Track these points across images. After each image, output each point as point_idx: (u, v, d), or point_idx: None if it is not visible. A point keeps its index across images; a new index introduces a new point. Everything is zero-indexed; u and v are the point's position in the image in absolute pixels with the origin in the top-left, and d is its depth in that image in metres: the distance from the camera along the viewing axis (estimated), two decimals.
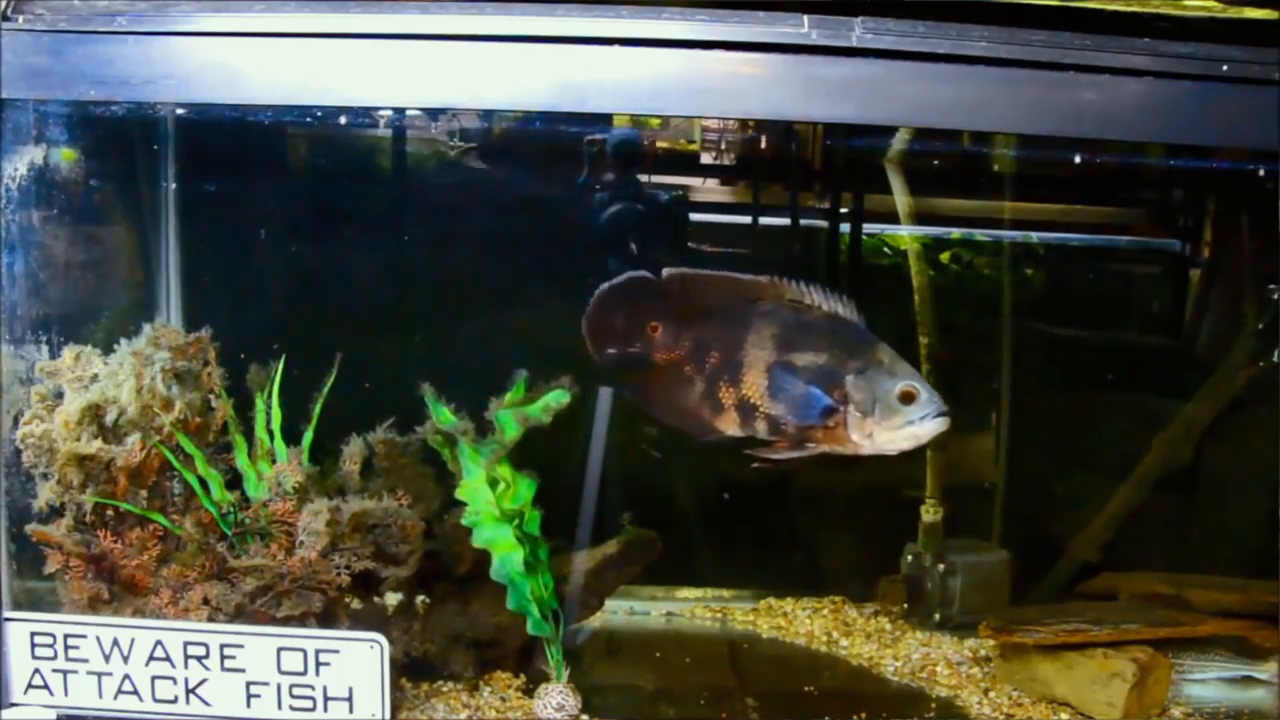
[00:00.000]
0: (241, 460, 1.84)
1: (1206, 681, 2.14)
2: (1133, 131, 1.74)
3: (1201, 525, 2.61)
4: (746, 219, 2.59)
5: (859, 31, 1.60)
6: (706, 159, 2.50)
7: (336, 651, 1.67)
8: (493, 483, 1.84)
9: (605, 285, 1.87)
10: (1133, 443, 2.50)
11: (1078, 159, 2.34)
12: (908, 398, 1.72)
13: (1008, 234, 2.53)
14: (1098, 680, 1.97)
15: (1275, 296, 2.42)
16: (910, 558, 2.44)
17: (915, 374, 1.75)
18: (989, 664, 2.18)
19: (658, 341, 1.86)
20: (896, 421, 1.72)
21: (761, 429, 1.80)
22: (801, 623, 2.37)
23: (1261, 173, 2.29)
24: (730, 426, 1.82)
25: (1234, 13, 1.87)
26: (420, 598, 1.94)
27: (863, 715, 1.94)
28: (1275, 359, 2.42)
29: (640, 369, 1.87)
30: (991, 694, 2.07)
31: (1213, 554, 2.56)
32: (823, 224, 2.62)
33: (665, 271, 1.87)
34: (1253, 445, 2.52)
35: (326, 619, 1.77)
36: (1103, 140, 2.04)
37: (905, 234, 2.41)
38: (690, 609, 2.44)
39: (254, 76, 1.60)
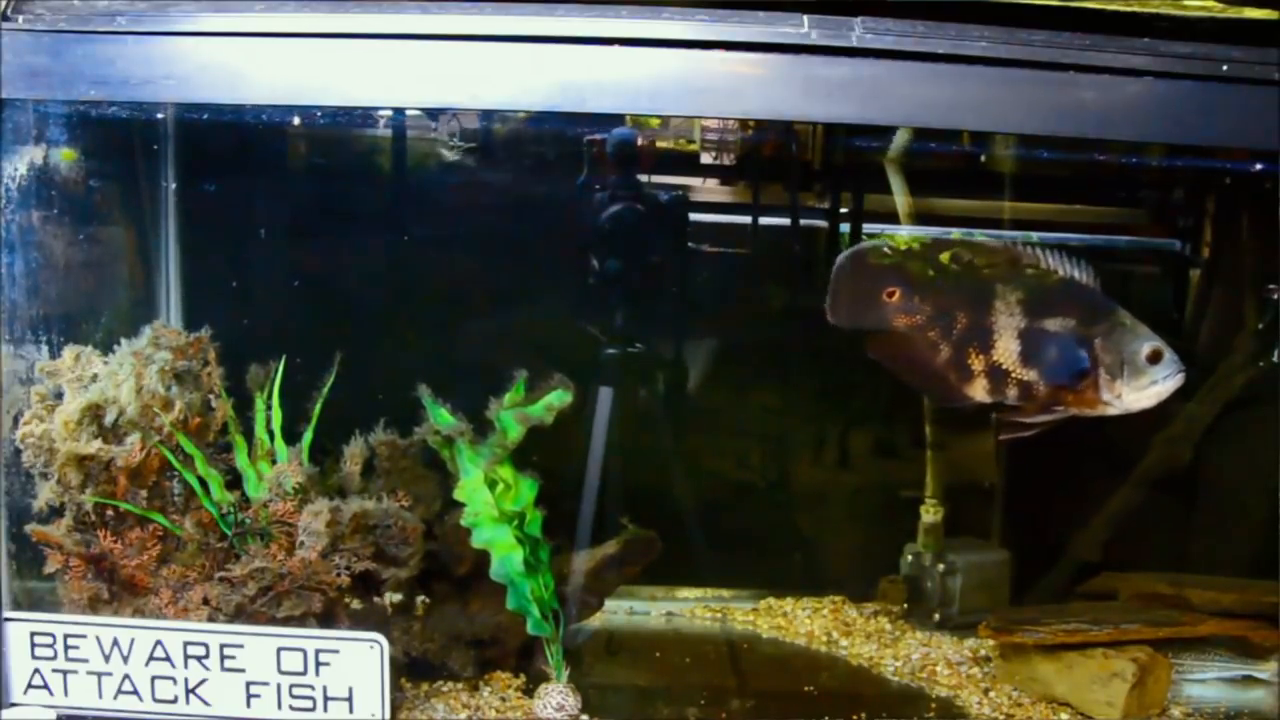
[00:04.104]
0: (241, 460, 1.84)
1: (1206, 681, 2.14)
2: (1132, 132, 1.74)
3: (1202, 525, 2.61)
4: (746, 219, 2.59)
5: (859, 31, 1.60)
6: (706, 159, 2.50)
7: (336, 651, 1.68)
8: (491, 483, 1.85)
9: (844, 254, 1.91)
10: (1129, 444, 2.50)
11: (1078, 159, 2.35)
12: (1155, 357, 1.78)
13: (1007, 234, 2.52)
14: (1098, 680, 1.97)
15: (1276, 297, 2.42)
16: (910, 558, 2.44)
17: (1154, 333, 1.81)
18: (989, 664, 2.18)
19: (896, 307, 1.88)
20: (1143, 381, 1.78)
21: (1012, 394, 1.85)
22: (801, 623, 2.37)
23: (1261, 173, 2.30)
24: (979, 392, 1.87)
25: (1234, 13, 1.87)
26: (420, 598, 1.94)
27: (862, 715, 1.93)
28: (1276, 359, 2.42)
29: (879, 334, 1.90)
30: (991, 694, 2.06)
31: (1213, 554, 2.56)
32: (823, 223, 2.61)
33: (901, 239, 1.90)
34: (1253, 445, 2.53)
35: (326, 619, 1.77)
36: (1102, 140, 2.04)
37: (905, 233, 2.41)
38: (690, 609, 2.44)
39: (254, 77, 1.60)
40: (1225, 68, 1.68)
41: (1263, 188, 2.41)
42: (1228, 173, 2.42)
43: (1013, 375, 1.84)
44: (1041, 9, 1.69)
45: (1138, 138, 1.80)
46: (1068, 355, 1.80)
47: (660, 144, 2.48)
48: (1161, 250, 2.68)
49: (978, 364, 1.85)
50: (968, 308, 1.85)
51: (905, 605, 2.43)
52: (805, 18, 1.60)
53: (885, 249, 1.91)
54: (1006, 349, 1.83)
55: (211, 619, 1.72)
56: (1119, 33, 1.68)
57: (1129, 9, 1.83)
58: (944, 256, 1.89)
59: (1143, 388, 1.79)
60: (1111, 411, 1.81)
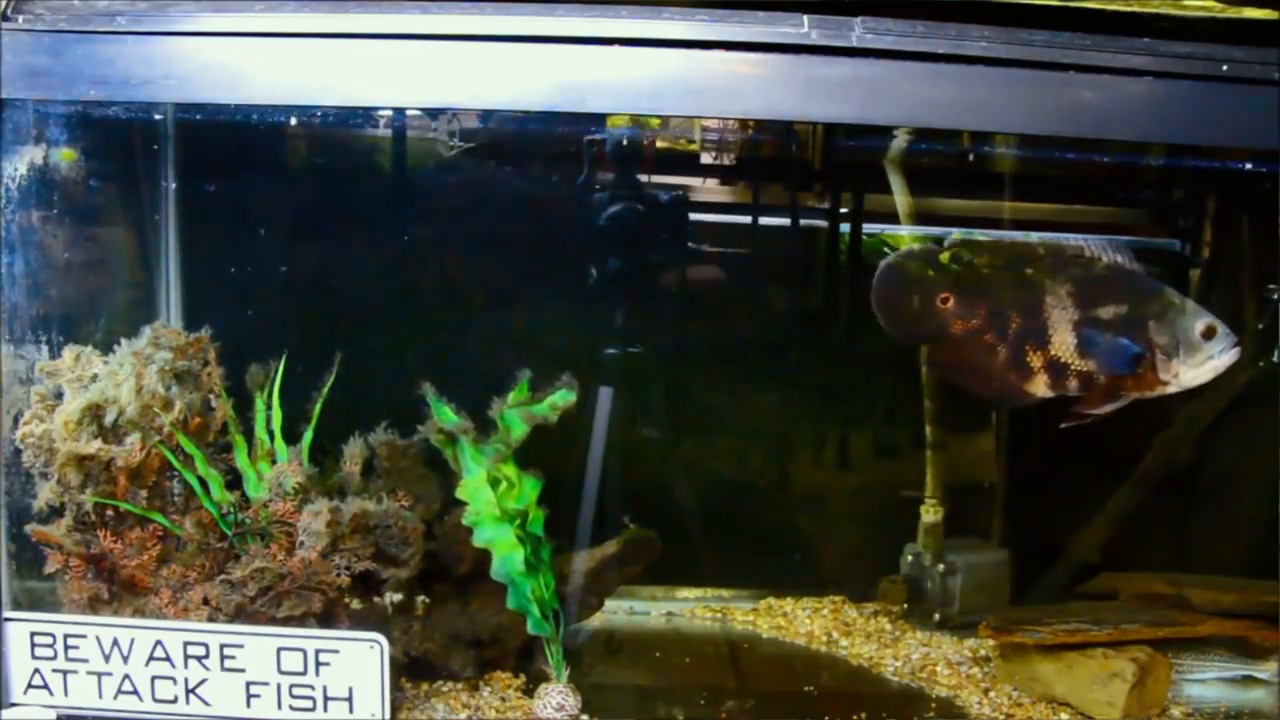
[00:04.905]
0: (241, 460, 1.84)
1: (1206, 681, 2.14)
2: (1132, 131, 1.74)
3: (1202, 525, 2.61)
4: (746, 218, 2.59)
5: (859, 31, 1.61)
6: (706, 159, 2.50)
7: (336, 651, 1.68)
8: (494, 482, 1.85)
9: (886, 261, 1.93)
10: (1129, 444, 2.50)
11: (1077, 159, 2.35)
12: (1210, 333, 1.81)
13: (1005, 234, 2.52)
14: (1098, 680, 1.97)
15: (1275, 297, 2.42)
16: (910, 557, 2.44)
17: (1205, 310, 1.84)
18: (989, 664, 2.17)
19: (952, 312, 1.89)
20: (1200, 357, 1.81)
21: (1073, 386, 1.87)
22: (801, 623, 2.37)
23: (1260, 173, 2.30)
24: (1041, 389, 1.89)
25: (1234, 13, 1.87)
26: (420, 597, 1.94)
27: (863, 715, 1.93)
28: (1276, 359, 2.42)
29: (938, 341, 1.92)
30: (991, 694, 2.06)
31: (1213, 554, 2.56)
32: (823, 223, 2.61)
33: (947, 242, 1.93)
34: (1253, 445, 2.53)
35: (326, 619, 1.77)
36: (1102, 140, 2.04)
37: (906, 233, 2.41)
38: (690, 609, 2.44)
39: (254, 77, 1.60)
40: (1225, 68, 1.67)
41: (1262, 188, 2.41)
42: (1227, 173, 2.41)
43: (1072, 368, 1.87)
44: (1041, 9, 1.69)
45: (1137, 138, 1.79)
46: (1123, 342, 1.82)
47: (660, 144, 2.48)
48: (1161, 250, 2.68)
49: (1037, 361, 1.87)
50: (1021, 306, 1.87)
51: (905, 605, 2.43)
52: (805, 18, 1.60)
53: (928, 254, 1.92)
54: (1063, 342, 1.86)
55: (212, 619, 1.72)
56: (1119, 33, 1.68)
57: (1129, 9, 1.83)
58: (986, 256, 1.91)
59: (1199, 364, 1.82)
60: (1170, 390, 1.84)
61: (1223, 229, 2.57)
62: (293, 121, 2.20)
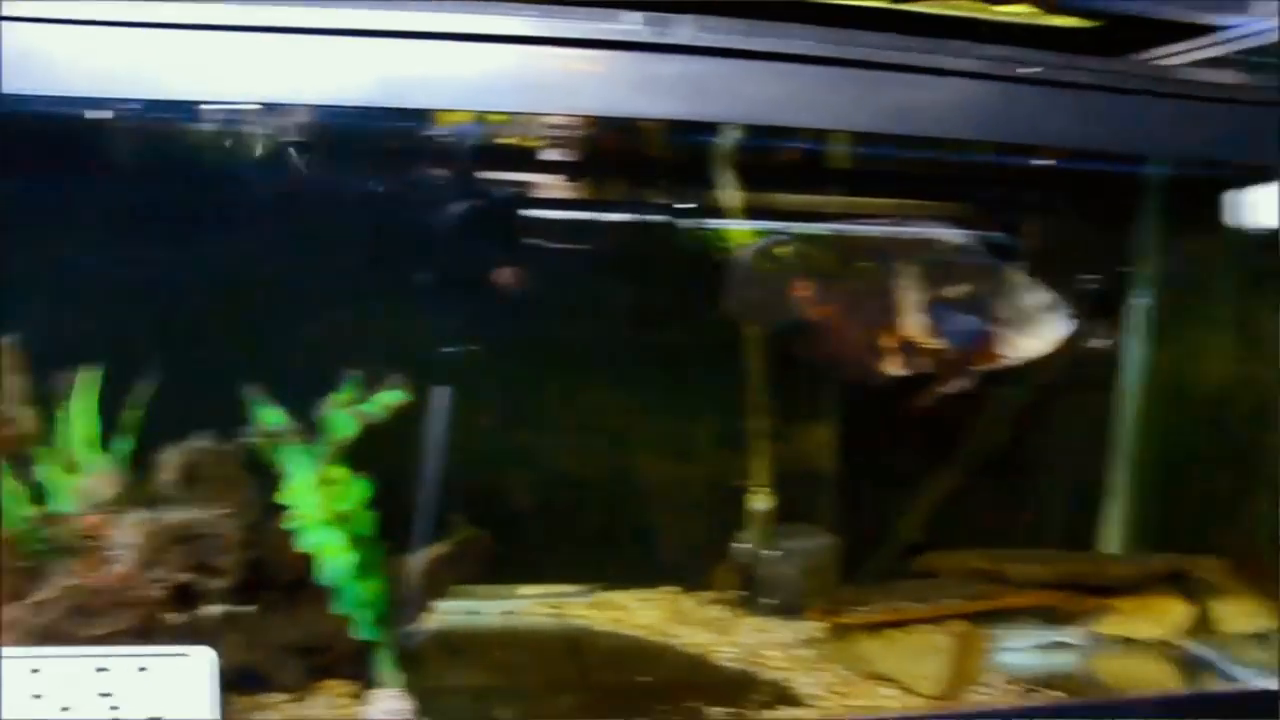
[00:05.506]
0: (48, 473, 1.74)
1: (1021, 649, 2.25)
2: (951, 130, 1.81)
3: (1018, 503, 2.75)
4: (588, 215, 2.57)
5: (689, 29, 1.61)
6: (548, 156, 2.47)
7: (154, 668, 1.60)
8: (322, 484, 1.80)
9: (742, 253, 2.02)
10: (950, 428, 2.61)
11: (908, 156, 2.43)
12: (1048, 306, 1.94)
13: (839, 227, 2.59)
14: (918, 655, 2.05)
15: (1089, 288, 2.55)
16: (742, 545, 2.48)
17: (1039, 284, 1.98)
18: (818, 645, 2.23)
19: (808, 301, 1.91)
20: (1040, 329, 1.96)
21: (925, 364, 1.96)
22: (637, 614, 2.39)
23: (1073, 169, 2.43)
24: (896, 368, 1.97)
25: (1045, 20, 1.97)
26: (246, 607, 1.87)
27: (698, 702, 1.96)
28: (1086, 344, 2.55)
29: (798, 330, 1.99)
30: (821, 674, 2.11)
31: (1029, 529, 2.70)
32: (661, 219, 2.62)
33: (795, 233, 2.04)
34: (1065, 426, 2.68)
35: (145, 635, 1.69)
36: (927, 138, 2.11)
37: (742, 229, 2.44)
38: (527, 606, 2.42)
39: (64, 65, 1.49)
40: (1035, 70, 1.75)
41: (1072, 184, 2.55)
42: (1045, 169, 2.53)
43: (924, 347, 1.92)
44: (867, 10, 1.74)
45: (955, 136, 1.86)
46: (971, 319, 1.90)
47: (503, 141, 2.43)
48: (989, 243, 2.79)
49: (891, 342, 1.93)
50: (872, 290, 1.93)
51: (738, 592, 2.47)
52: (636, 14, 1.60)
53: (781, 245, 1.97)
54: (914, 323, 1.92)
55: (19, 643, 1.62)
56: (941, 35, 1.74)
57: (950, 13, 1.91)
58: (834, 246, 1.97)
59: (1040, 336, 1.96)
60: (1012, 363, 1.98)
61: (1039, 223, 2.70)
62: (108, 115, 2.06)
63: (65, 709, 1.58)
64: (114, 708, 1.59)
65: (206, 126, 2.22)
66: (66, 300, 2.11)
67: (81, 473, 1.75)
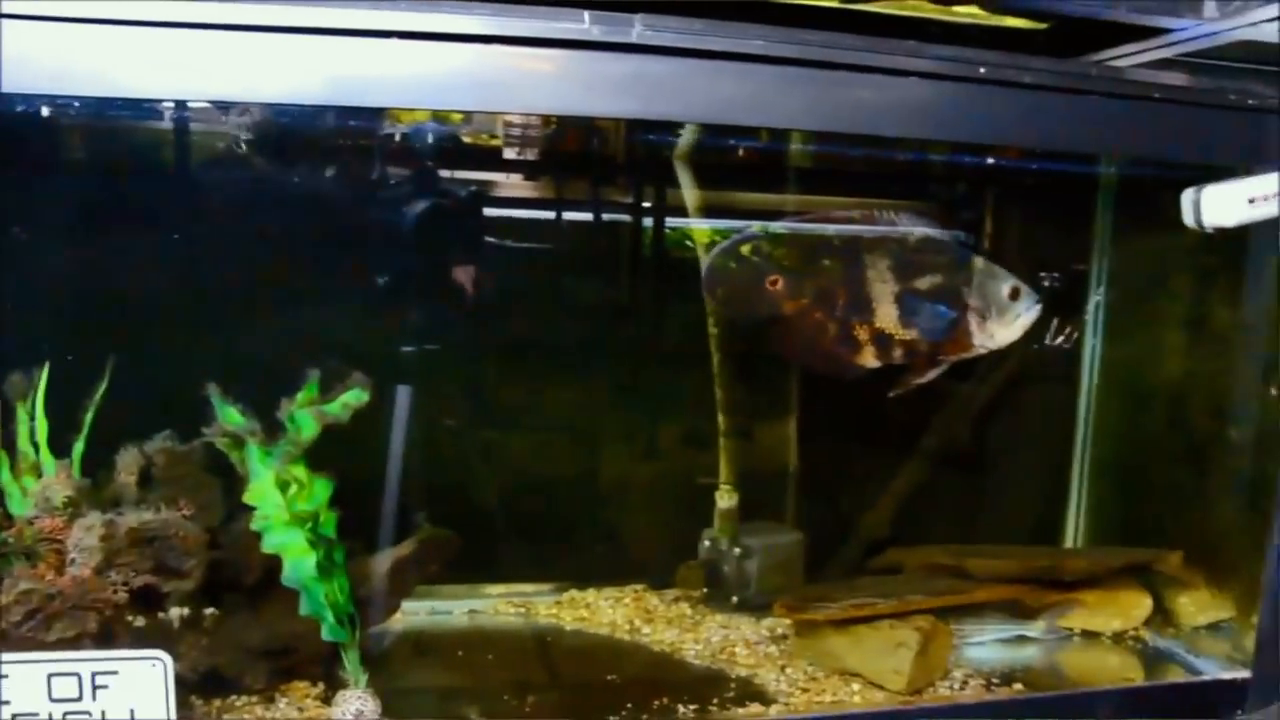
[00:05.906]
0: (3, 477, 1.73)
1: (985, 643, 2.28)
2: (902, 129, 1.83)
3: (981, 498, 2.77)
4: (549, 214, 2.59)
5: (638, 28, 1.63)
6: (508, 154, 2.48)
7: (115, 673, 1.58)
8: (284, 485, 1.79)
9: (714, 251, 2.03)
10: (913, 424, 2.63)
11: (863, 154, 2.45)
12: (1015, 294, 1.99)
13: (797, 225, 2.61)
14: (884, 650, 2.06)
15: (1046, 285, 2.58)
16: (707, 543, 2.49)
17: (1010, 273, 2.02)
18: (785, 642, 2.25)
19: (781, 293, 1.94)
20: (1009, 317, 2.00)
21: (898, 355, 1.99)
22: (604, 613, 2.39)
23: (1024, 169, 2.46)
24: (869, 360, 2.00)
25: (995, 21, 2.01)
26: (208, 610, 1.86)
27: (665, 700, 1.97)
28: (1046, 342, 2.58)
29: (771, 322, 2.01)
30: (788, 670, 2.13)
31: (991, 524, 2.72)
32: (622, 217, 2.64)
33: (770, 226, 2.06)
34: (1024, 422, 2.70)
35: (104, 639, 1.67)
36: (881, 137, 2.13)
37: (702, 227, 2.46)
38: (493, 605, 2.41)
39: (16, 61, 1.48)
40: (982, 70, 1.78)
41: (1025, 182, 2.58)
42: (1000, 168, 2.56)
43: (896, 338, 1.98)
44: (819, 10, 1.76)
45: (907, 135, 1.88)
46: (941, 309, 1.94)
47: (464, 139, 2.44)
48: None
49: (864, 334, 1.96)
50: (844, 283, 1.96)
51: (704, 590, 2.48)
52: (586, 14, 1.61)
53: (752, 241, 2.00)
54: (887, 315, 1.97)
55: None
56: (892, 35, 1.77)
57: (902, 13, 1.94)
58: (801, 242, 2.00)
59: (1010, 323, 2.01)
60: (985, 350, 2.01)
61: (996, 221, 2.73)
62: (57, 110, 2.06)
63: (17, 716, 1.57)
64: (68, 714, 1.58)
65: (158, 124, 2.22)
66: (21, 301, 2.11)
67: (38, 475, 1.74)
